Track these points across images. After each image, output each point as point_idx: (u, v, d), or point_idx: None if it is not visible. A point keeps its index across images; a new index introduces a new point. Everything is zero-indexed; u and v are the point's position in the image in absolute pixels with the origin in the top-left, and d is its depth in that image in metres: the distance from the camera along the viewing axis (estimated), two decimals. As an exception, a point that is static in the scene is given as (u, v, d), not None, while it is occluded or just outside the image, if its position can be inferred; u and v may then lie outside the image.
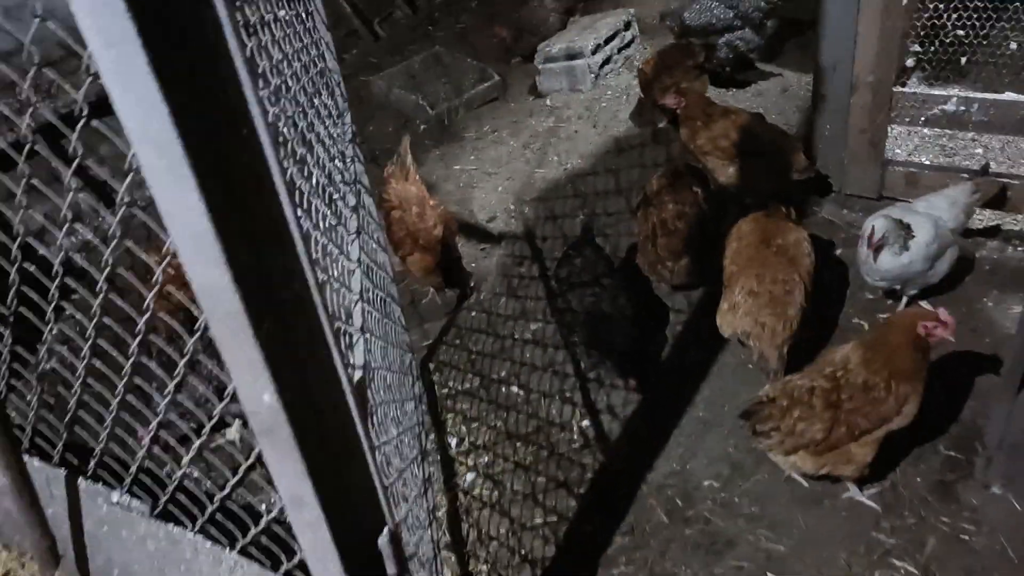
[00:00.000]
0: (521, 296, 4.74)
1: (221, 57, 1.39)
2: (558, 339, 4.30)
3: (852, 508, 3.27)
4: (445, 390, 4.24)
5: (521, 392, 4.12)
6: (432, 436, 3.98)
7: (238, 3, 1.78)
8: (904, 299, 3.96)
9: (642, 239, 4.21)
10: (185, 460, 2.46)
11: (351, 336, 2.24)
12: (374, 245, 3.61)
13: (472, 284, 4.51)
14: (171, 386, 2.29)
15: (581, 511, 3.48)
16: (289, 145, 2.03)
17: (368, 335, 2.39)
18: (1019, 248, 4.21)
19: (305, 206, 2.04)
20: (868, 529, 3.19)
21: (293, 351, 1.70)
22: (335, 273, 2.30)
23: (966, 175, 4.14)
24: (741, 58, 5.91)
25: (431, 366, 4.42)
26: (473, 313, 4.72)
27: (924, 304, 4.00)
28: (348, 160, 3.06)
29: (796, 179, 4.50)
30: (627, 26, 6.88)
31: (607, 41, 6.69)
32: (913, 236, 3.59)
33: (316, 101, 2.73)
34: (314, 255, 1.97)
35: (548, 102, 6.62)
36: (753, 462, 3.52)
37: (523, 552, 3.37)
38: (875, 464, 3.13)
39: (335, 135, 3.00)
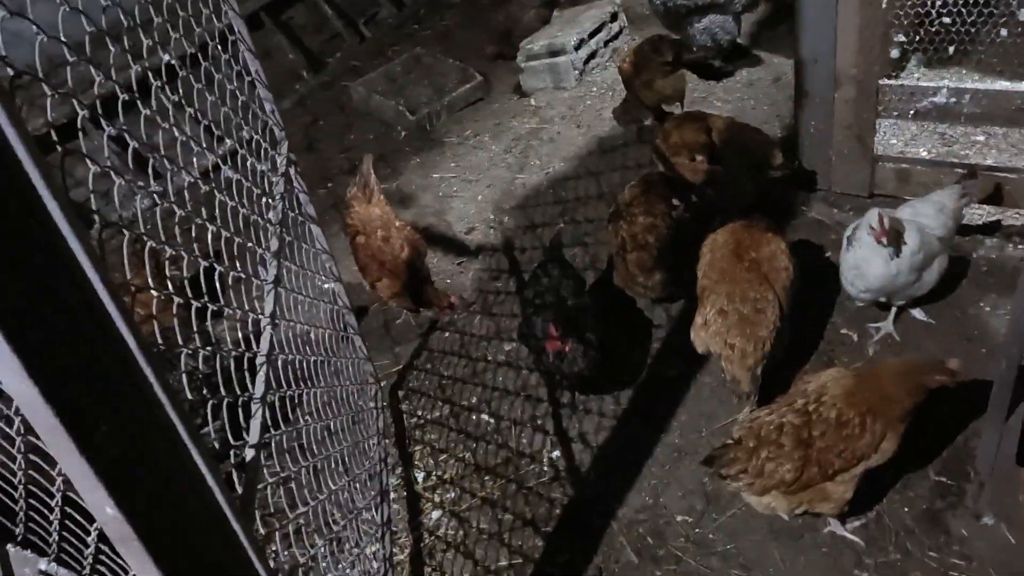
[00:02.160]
0: (496, 314, 4.55)
1: None
2: (531, 361, 4.11)
3: (833, 543, 3.06)
4: (414, 419, 4.07)
5: (492, 421, 3.94)
6: (398, 470, 3.82)
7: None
8: (893, 310, 3.71)
9: (614, 253, 4.00)
10: (96, 525, 2.32)
11: (251, 407, 2.07)
12: (322, 277, 3.45)
13: (450, 305, 4.29)
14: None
15: (548, 551, 3.30)
16: (146, 210, 1.86)
17: (275, 396, 2.22)
18: (1019, 246, 3.94)
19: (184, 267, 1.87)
20: (850, 566, 2.98)
21: (136, 457, 1.54)
22: (235, 337, 2.14)
23: (961, 169, 3.87)
24: (722, 46, 5.64)
25: (400, 393, 4.25)
26: (446, 334, 4.54)
27: (917, 313, 3.76)
28: (278, 197, 2.88)
29: (773, 176, 4.25)
30: (613, 17, 6.61)
31: (592, 35, 6.43)
32: (905, 243, 3.34)
33: (228, 142, 2.56)
34: (190, 317, 1.80)
35: (532, 101, 6.39)
36: (729, 494, 3.31)
37: (486, 598, 3.21)
38: (856, 499, 2.92)
39: (260, 170, 2.82)
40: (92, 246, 1.35)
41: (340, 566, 3.12)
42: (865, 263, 3.44)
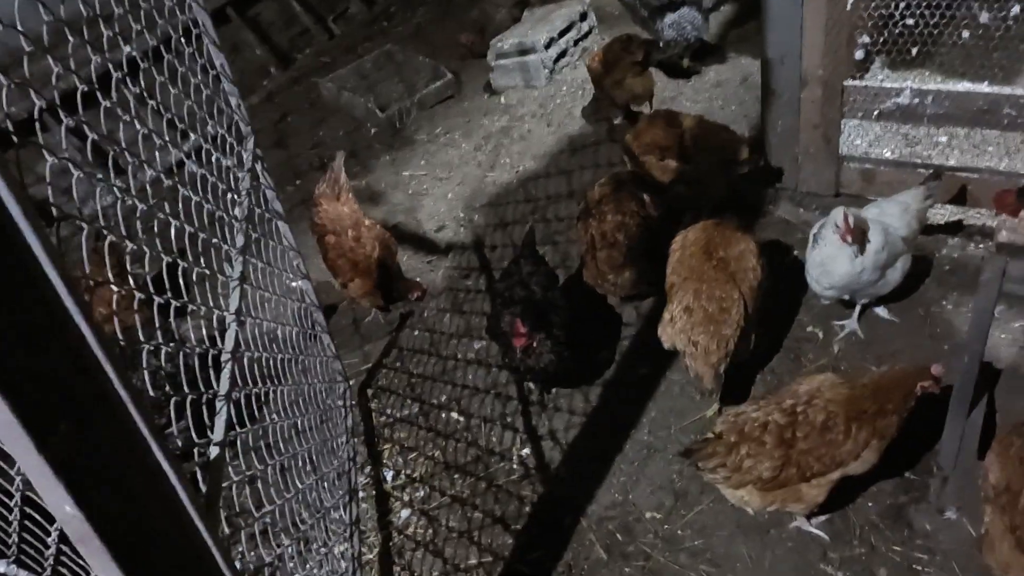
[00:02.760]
0: (466, 312, 4.55)
1: None
2: (501, 357, 4.11)
3: (799, 538, 3.09)
4: (383, 418, 4.05)
5: (461, 419, 3.94)
6: (367, 468, 3.79)
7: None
8: (857, 307, 3.76)
9: (583, 251, 4.01)
10: (56, 525, 2.28)
11: (215, 404, 2.04)
12: (289, 275, 3.41)
13: (420, 294, 4.28)
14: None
15: (517, 549, 3.30)
16: (118, 204, 1.83)
17: (240, 394, 2.20)
18: (980, 245, 4.01)
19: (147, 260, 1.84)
20: (816, 561, 3.01)
21: (96, 456, 1.51)
22: (199, 336, 2.11)
23: (924, 170, 3.93)
24: (689, 41, 5.68)
25: (369, 392, 4.22)
26: (416, 332, 4.53)
27: (881, 311, 3.81)
28: (244, 193, 2.85)
29: (741, 172, 4.29)
30: (583, 16, 6.62)
31: (562, 33, 6.44)
32: (868, 242, 3.38)
33: (192, 136, 2.52)
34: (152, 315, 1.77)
35: (502, 100, 6.39)
36: (698, 490, 3.34)
37: (456, 597, 3.20)
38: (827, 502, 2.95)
39: (225, 166, 2.78)
40: (50, 241, 1.33)
41: (308, 566, 3.09)
42: (831, 260, 3.47)
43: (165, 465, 1.60)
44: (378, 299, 4.28)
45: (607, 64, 5.17)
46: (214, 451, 1.83)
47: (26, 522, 2.58)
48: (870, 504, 3.14)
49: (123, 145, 1.85)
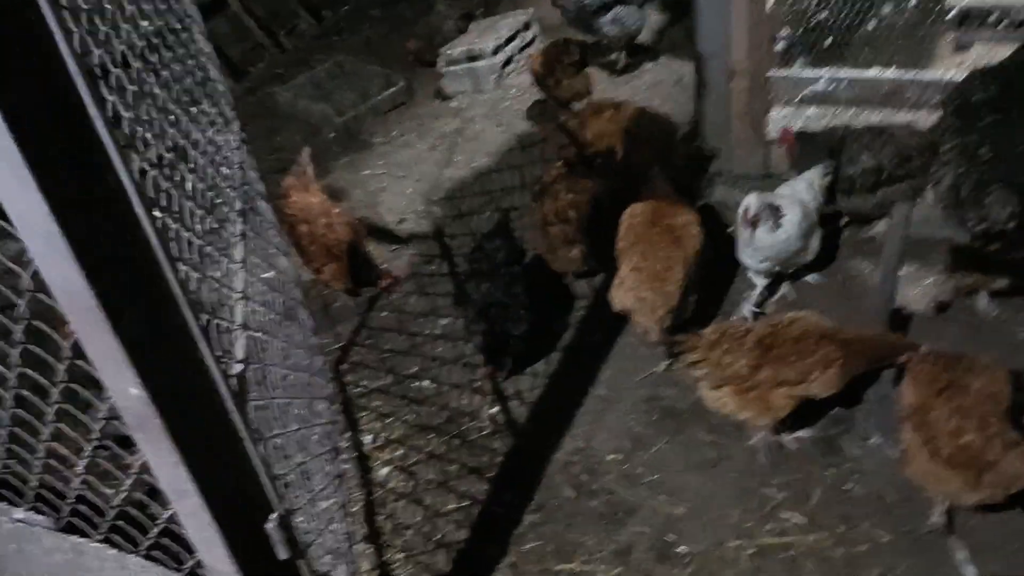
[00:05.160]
0: (431, 293, 4.84)
1: (53, 59, 1.47)
2: (465, 328, 4.40)
3: (744, 469, 3.46)
4: (358, 389, 4.31)
5: (433, 386, 4.22)
6: (347, 434, 4.05)
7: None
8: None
9: (539, 228, 4.35)
10: (78, 469, 2.49)
11: (232, 332, 2.31)
12: (273, 249, 3.67)
13: (392, 281, 4.58)
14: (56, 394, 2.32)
15: (492, 493, 3.60)
16: (153, 149, 2.10)
17: (252, 332, 2.46)
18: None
19: (175, 208, 2.10)
20: (758, 487, 3.38)
21: (157, 345, 1.77)
22: (216, 272, 2.36)
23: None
24: (632, 34, 6.11)
25: (344, 367, 4.48)
26: (384, 313, 4.80)
27: (811, 279, 4.23)
28: (235, 166, 3.12)
29: (681, 156, 4.71)
30: (527, 26, 7.04)
31: (508, 41, 6.84)
32: (784, 215, 3.77)
33: (194, 110, 2.79)
34: (183, 254, 2.04)
35: (453, 104, 6.74)
36: (653, 434, 3.69)
37: (437, 538, 3.47)
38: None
39: (220, 142, 3.05)
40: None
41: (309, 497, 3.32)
42: (757, 240, 3.84)
43: (211, 364, 1.87)
44: (349, 282, 4.55)
45: (547, 66, 5.58)
46: (236, 367, 2.09)
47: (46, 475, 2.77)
48: (804, 436, 3.53)
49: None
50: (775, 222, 3.76)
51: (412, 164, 6.10)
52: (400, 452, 3.90)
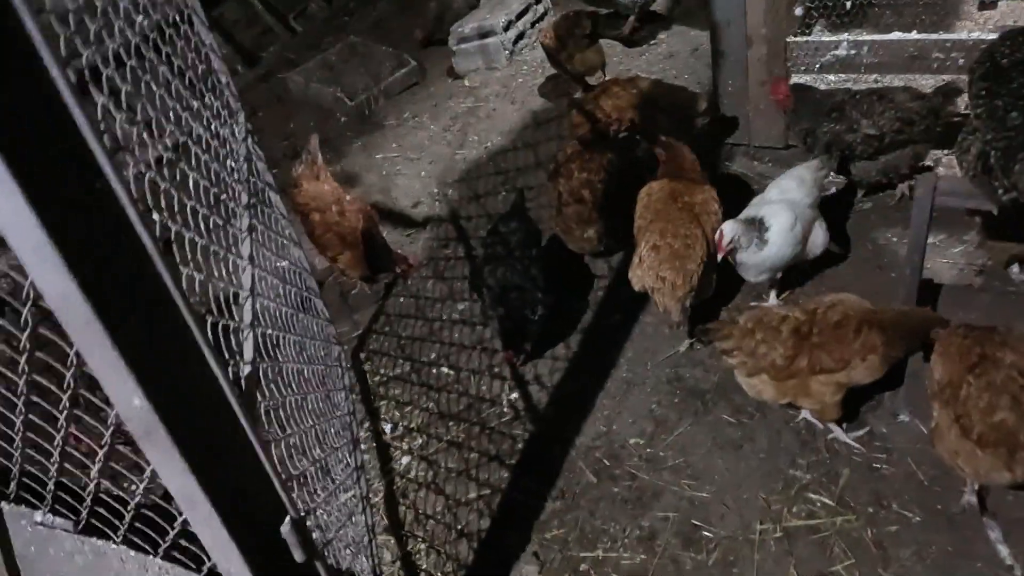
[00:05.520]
0: (448, 277, 4.79)
1: (35, 65, 1.41)
2: (482, 311, 4.35)
3: (770, 449, 3.38)
4: (377, 378, 4.28)
5: (451, 372, 4.18)
6: (367, 424, 4.03)
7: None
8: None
9: (554, 209, 4.28)
10: (93, 472, 2.47)
11: (242, 331, 2.27)
12: (284, 241, 3.63)
13: (407, 267, 4.52)
14: (65, 400, 2.30)
15: (513, 481, 3.56)
16: (150, 149, 2.05)
17: (264, 329, 2.42)
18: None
19: (176, 208, 2.06)
20: (786, 468, 3.31)
21: (160, 353, 1.73)
22: (223, 271, 2.32)
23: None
24: (645, 5, 5.97)
25: (362, 356, 4.45)
26: (402, 299, 4.76)
27: (832, 247, 4.12)
28: (242, 159, 3.07)
29: (699, 127, 4.59)
30: (537, 0, 6.90)
31: (519, 16, 6.71)
32: (768, 228, 3.53)
33: (196, 104, 2.74)
34: (185, 255, 2.00)
35: (466, 83, 6.64)
36: (676, 416, 3.62)
37: (459, 527, 3.44)
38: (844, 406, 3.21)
39: (225, 135, 3.00)
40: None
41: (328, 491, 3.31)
42: (746, 259, 3.63)
43: (216, 369, 1.83)
44: (365, 270, 4.51)
45: (559, 39, 5.46)
46: (246, 368, 2.05)
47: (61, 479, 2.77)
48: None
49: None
50: (760, 239, 3.53)
51: (426, 146, 6.03)
52: (420, 441, 3.87)
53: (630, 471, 3.46)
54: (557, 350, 4.10)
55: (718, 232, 3.54)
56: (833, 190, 4.36)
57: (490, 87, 6.46)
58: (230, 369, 1.91)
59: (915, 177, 3.98)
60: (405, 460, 3.81)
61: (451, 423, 3.91)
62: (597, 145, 4.38)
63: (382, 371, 4.32)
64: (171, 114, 2.46)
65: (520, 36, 6.70)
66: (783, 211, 3.58)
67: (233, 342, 2.15)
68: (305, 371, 3.17)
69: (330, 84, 6.79)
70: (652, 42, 6.29)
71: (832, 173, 4.16)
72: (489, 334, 4.29)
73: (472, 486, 3.59)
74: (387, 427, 3.99)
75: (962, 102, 4.10)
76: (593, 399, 3.80)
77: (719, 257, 3.56)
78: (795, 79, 4.48)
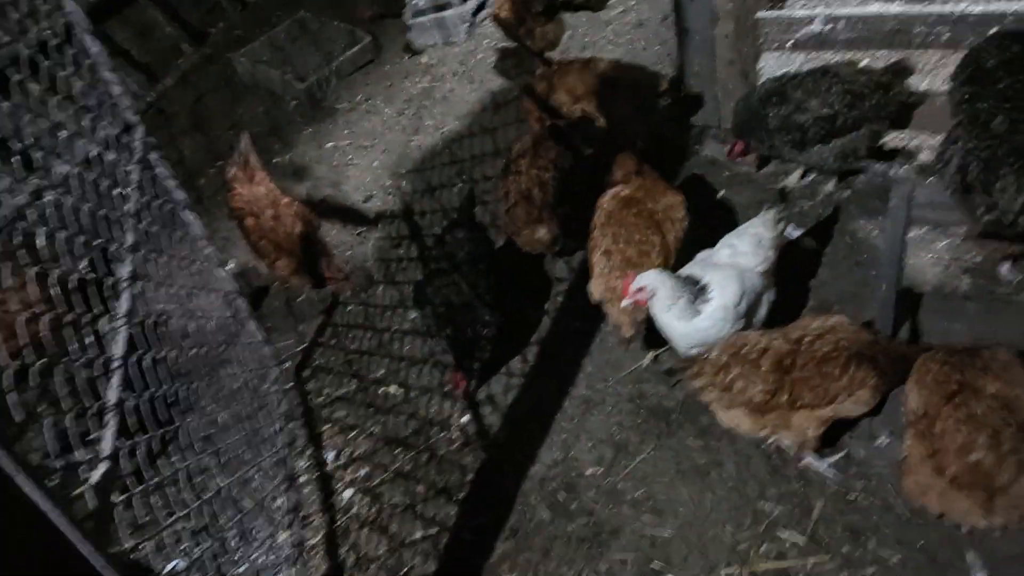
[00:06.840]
0: (400, 281, 4.47)
1: None
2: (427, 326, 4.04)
3: (738, 477, 3.12)
4: (320, 398, 3.98)
5: (400, 391, 3.89)
6: (308, 452, 3.74)
7: None
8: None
9: (504, 207, 3.93)
10: None
11: (105, 415, 1.96)
12: (200, 265, 3.30)
13: (337, 283, 4.15)
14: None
15: (461, 517, 3.29)
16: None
17: (133, 403, 2.11)
18: (903, 166, 4.00)
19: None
20: (754, 499, 3.04)
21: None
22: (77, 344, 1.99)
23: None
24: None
25: (306, 373, 4.15)
26: (350, 307, 4.45)
27: (806, 242, 3.81)
28: (133, 186, 2.72)
29: (662, 109, 4.24)
30: (498, -33, 6.44)
31: (479, -15, 6.27)
32: (709, 300, 3.02)
33: (63, 134, 2.38)
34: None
35: (423, 59, 6.22)
36: (638, 439, 3.35)
37: (403, 572, 3.18)
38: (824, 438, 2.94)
39: (108, 161, 2.65)
40: None
41: (252, 556, 3.05)
42: (668, 327, 3.12)
43: (41, 501, 1.52)
44: (307, 278, 4.18)
45: (515, 12, 5.05)
46: (101, 468, 1.75)
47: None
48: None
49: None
50: (694, 306, 3.02)
51: (379, 133, 5.64)
52: (364, 471, 3.59)
53: (587, 506, 3.19)
54: (513, 364, 3.81)
55: (629, 275, 3.04)
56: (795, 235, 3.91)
57: (448, 64, 6.04)
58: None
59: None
60: (348, 494, 3.53)
61: (398, 450, 3.62)
62: (549, 140, 4.01)
63: (326, 391, 4.01)
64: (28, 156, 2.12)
65: (480, 7, 6.26)
66: (731, 283, 3.05)
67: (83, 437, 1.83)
68: (221, 418, 2.88)
69: (278, 66, 6.37)
70: (620, 10, 5.87)
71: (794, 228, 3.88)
72: (441, 347, 3.98)
73: (418, 525, 3.31)
74: (330, 455, 3.70)
75: (914, 81, 3.78)
76: (549, 421, 3.52)
77: (622, 304, 3.05)
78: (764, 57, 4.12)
